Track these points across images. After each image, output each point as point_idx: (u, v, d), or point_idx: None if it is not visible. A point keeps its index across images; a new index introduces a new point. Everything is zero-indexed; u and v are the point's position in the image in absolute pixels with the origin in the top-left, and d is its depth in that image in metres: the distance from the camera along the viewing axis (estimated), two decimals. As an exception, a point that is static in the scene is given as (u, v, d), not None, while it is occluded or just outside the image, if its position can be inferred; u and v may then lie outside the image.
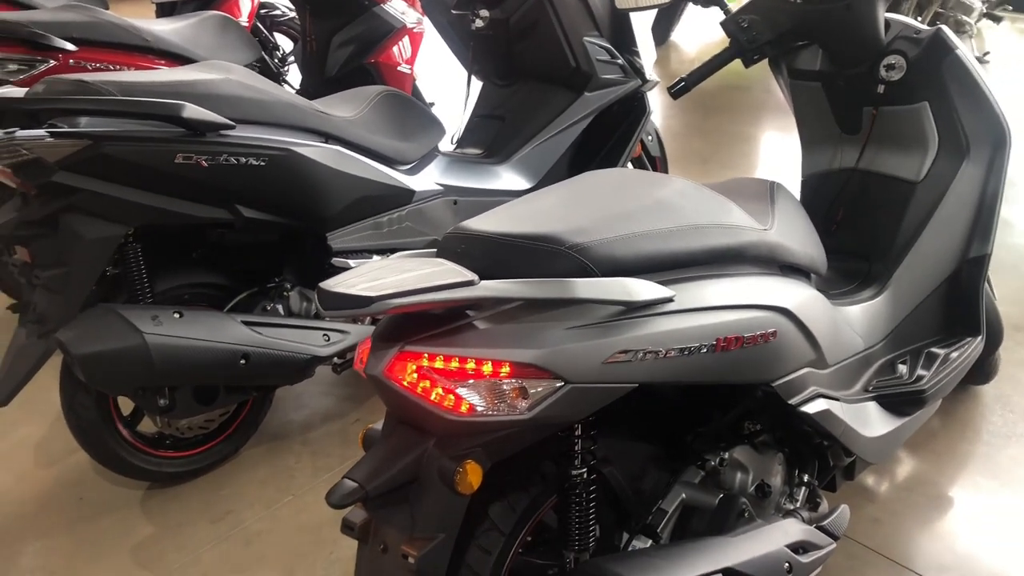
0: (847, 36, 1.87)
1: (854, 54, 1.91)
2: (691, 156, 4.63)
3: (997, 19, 6.25)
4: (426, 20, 3.41)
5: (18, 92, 1.86)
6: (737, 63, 1.95)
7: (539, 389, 1.07)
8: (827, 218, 2.07)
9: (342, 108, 2.33)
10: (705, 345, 1.20)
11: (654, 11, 4.80)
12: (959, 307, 1.98)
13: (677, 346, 1.17)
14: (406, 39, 3.55)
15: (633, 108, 2.96)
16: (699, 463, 1.48)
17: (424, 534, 1.13)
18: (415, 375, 1.07)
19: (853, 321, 1.79)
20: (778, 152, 4.72)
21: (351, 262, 2.24)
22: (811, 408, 1.48)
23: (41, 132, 1.77)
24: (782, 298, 1.36)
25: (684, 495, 1.43)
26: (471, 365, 1.06)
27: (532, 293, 1.07)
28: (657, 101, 5.55)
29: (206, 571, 1.99)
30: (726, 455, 1.49)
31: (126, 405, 2.17)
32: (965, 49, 1.88)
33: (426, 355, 1.06)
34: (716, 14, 2.00)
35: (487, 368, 1.06)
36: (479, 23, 2.73)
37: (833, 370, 1.59)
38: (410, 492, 1.14)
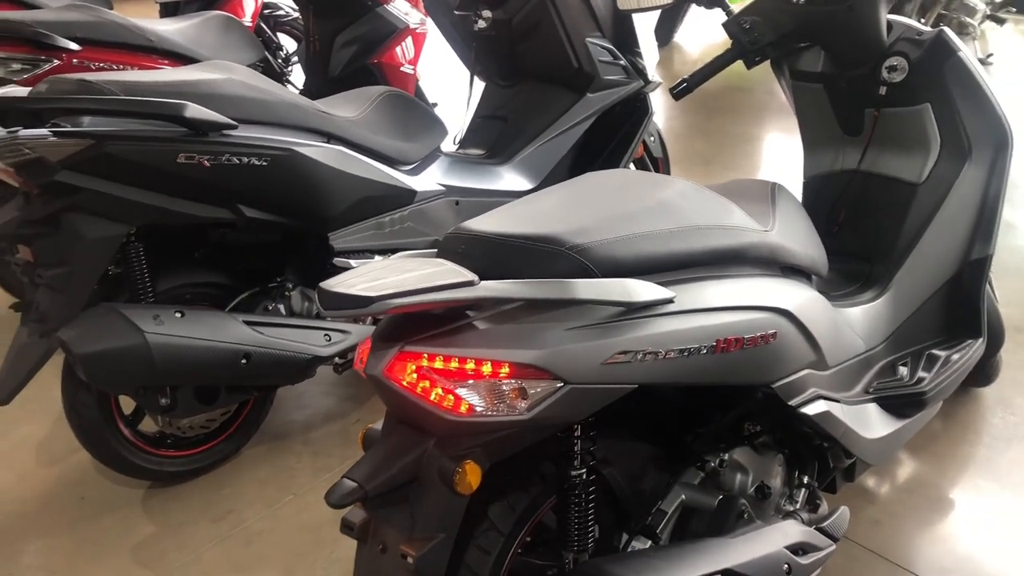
0: (849, 38, 1.87)
1: (856, 56, 1.91)
2: (693, 157, 4.63)
3: (1000, 21, 6.24)
4: (429, 21, 3.42)
5: (21, 91, 1.87)
6: (739, 64, 1.95)
7: (539, 389, 1.08)
8: (829, 219, 2.07)
9: (345, 108, 2.33)
10: (705, 346, 1.20)
11: (657, 12, 4.80)
12: (960, 309, 1.98)
13: (677, 347, 1.17)
14: (409, 40, 3.55)
15: (635, 109, 2.95)
16: (699, 464, 1.48)
17: (423, 534, 1.13)
18: (415, 375, 1.07)
19: (854, 323, 1.78)
20: (780, 154, 4.72)
21: (353, 262, 2.23)
22: (811, 409, 1.48)
23: (44, 131, 1.77)
24: (783, 299, 1.36)
25: (684, 496, 1.43)
26: (471, 365, 1.06)
27: (532, 293, 1.07)
28: (659, 102, 5.55)
29: (207, 570, 1.99)
30: (726, 456, 1.49)
31: (127, 404, 2.18)
32: (967, 51, 1.88)
33: (426, 355, 1.06)
34: (719, 15, 1.99)
35: (487, 368, 1.06)
36: (482, 24, 2.73)
37: (834, 371, 1.59)
38: (410, 492, 1.14)
